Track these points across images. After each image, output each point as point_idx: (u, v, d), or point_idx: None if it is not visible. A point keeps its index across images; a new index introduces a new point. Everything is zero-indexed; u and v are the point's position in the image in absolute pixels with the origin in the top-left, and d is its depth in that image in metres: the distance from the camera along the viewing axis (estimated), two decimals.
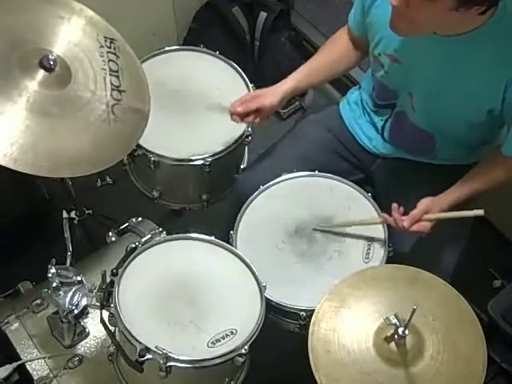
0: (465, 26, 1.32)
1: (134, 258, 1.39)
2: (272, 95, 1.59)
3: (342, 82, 2.40)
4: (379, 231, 1.55)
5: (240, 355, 1.29)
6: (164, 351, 1.23)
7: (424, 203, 1.45)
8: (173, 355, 1.24)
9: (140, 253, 1.41)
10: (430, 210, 1.45)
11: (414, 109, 1.53)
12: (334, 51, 1.67)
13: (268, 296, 1.41)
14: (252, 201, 1.60)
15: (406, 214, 1.46)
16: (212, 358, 1.26)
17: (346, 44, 1.66)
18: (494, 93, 1.37)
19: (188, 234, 1.47)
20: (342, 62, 1.68)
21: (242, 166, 1.81)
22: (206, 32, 2.50)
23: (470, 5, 1.22)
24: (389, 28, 1.42)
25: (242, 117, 1.58)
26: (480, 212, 1.39)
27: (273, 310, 1.45)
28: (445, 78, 1.42)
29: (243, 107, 1.57)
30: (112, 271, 1.35)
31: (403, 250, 1.56)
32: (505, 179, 1.49)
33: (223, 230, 1.56)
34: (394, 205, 1.48)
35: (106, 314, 1.33)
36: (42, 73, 1.27)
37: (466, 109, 1.44)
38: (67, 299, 1.39)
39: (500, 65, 1.34)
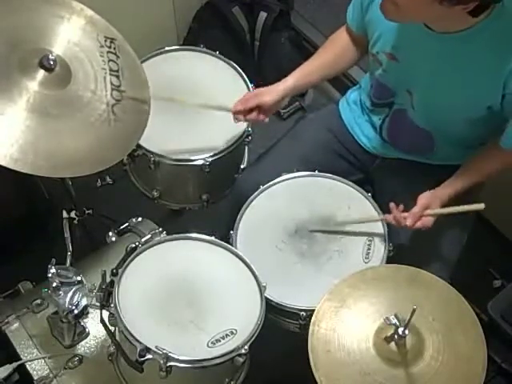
0: (459, 23, 1.33)
1: (134, 258, 1.39)
2: (273, 92, 1.60)
3: (342, 82, 2.40)
4: (379, 231, 1.55)
5: (240, 355, 1.29)
6: (164, 351, 1.23)
7: (424, 198, 1.46)
8: (173, 355, 1.24)
9: (140, 253, 1.41)
10: (431, 204, 1.45)
11: (414, 107, 1.53)
12: (335, 50, 1.68)
13: (268, 296, 1.41)
14: (252, 201, 1.60)
15: (406, 211, 1.47)
16: (212, 358, 1.26)
17: (346, 42, 1.67)
18: (493, 90, 1.37)
19: (188, 234, 1.47)
20: (342, 61, 1.68)
21: (242, 166, 1.81)
22: (206, 32, 2.50)
23: (453, 1, 1.22)
24: (386, 25, 1.42)
25: (244, 115, 1.59)
26: (480, 206, 1.40)
27: (273, 310, 1.45)
28: (443, 76, 1.43)
29: (243, 105, 1.58)
30: (112, 271, 1.35)
31: (404, 244, 1.56)
32: (500, 170, 1.51)
33: (223, 230, 1.56)
34: (392, 204, 1.48)
35: (106, 313, 1.33)
36: (42, 73, 1.27)
37: (465, 106, 1.44)
38: (67, 299, 1.39)
39: (499, 62, 1.34)
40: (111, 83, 1.36)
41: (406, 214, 1.46)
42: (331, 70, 1.69)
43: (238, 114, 1.59)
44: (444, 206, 1.47)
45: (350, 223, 1.57)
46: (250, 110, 1.59)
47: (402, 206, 1.47)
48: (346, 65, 1.70)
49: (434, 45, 1.40)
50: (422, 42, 1.40)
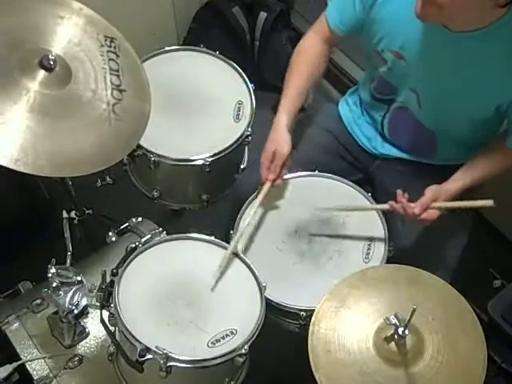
0: (481, 21, 1.32)
1: (134, 258, 1.39)
2: (283, 142, 1.56)
3: (342, 82, 2.40)
4: (379, 231, 1.55)
5: (240, 355, 1.29)
6: (164, 351, 1.23)
7: (431, 191, 1.45)
8: (173, 355, 1.24)
9: (140, 253, 1.41)
10: (438, 197, 1.45)
11: (421, 106, 1.53)
12: (310, 60, 1.65)
13: (268, 296, 1.41)
14: (252, 201, 1.60)
15: (411, 201, 1.46)
16: (212, 358, 1.26)
17: (317, 48, 1.65)
18: (504, 89, 1.38)
19: (188, 234, 1.47)
20: (320, 67, 1.67)
21: (242, 166, 1.81)
22: (206, 32, 2.50)
23: None
24: (394, 24, 1.41)
25: (278, 177, 1.56)
26: (489, 202, 1.39)
27: (273, 310, 1.45)
28: (454, 75, 1.42)
29: (274, 173, 1.55)
30: (112, 271, 1.35)
31: (404, 244, 1.56)
32: (506, 168, 1.52)
33: (223, 230, 1.56)
34: (399, 191, 1.47)
35: (106, 313, 1.33)
36: (42, 73, 1.27)
37: (474, 106, 1.44)
38: (67, 299, 1.39)
39: (510, 62, 1.35)
40: (111, 82, 1.36)
41: (413, 204, 1.44)
42: (314, 79, 1.66)
43: (273, 181, 1.56)
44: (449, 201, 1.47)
45: (355, 210, 1.56)
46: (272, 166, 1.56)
47: (406, 195, 1.46)
48: (324, 68, 1.68)
49: (448, 44, 1.39)
50: (436, 41, 1.40)
